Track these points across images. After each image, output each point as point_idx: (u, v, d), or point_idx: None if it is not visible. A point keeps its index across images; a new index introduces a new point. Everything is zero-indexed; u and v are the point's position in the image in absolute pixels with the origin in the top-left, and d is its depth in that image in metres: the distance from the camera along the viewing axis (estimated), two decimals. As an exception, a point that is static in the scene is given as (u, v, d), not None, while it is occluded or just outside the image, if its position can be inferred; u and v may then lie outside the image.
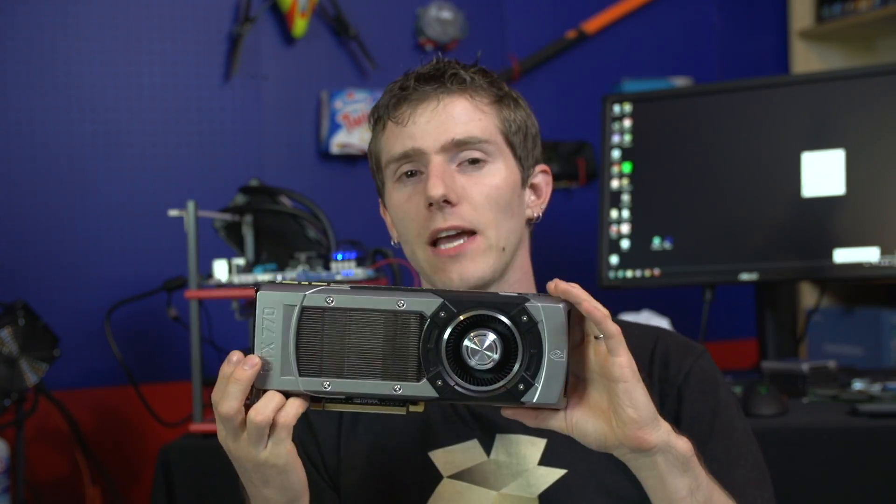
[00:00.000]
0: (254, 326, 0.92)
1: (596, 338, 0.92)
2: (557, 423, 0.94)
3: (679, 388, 1.16)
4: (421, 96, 1.16)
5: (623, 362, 0.91)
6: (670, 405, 1.16)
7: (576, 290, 0.91)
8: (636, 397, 0.91)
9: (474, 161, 1.16)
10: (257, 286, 0.93)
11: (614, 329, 0.91)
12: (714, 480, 1.01)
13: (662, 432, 0.93)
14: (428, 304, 0.91)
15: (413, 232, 1.17)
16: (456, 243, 1.15)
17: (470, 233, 1.15)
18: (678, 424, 1.13)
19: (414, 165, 1.17)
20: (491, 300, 0.91)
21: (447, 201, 1.13)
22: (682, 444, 0.95)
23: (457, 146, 1.15)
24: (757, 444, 1.19)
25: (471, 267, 1.14)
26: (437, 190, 1.12)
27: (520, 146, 1.20)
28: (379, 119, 1.21)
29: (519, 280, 1.21)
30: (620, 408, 0.91)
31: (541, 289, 1.23)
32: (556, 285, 0.92)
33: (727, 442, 1.14)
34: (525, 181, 1.22)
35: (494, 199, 1.16)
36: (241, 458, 0.96)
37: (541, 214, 1.25)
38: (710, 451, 1.12)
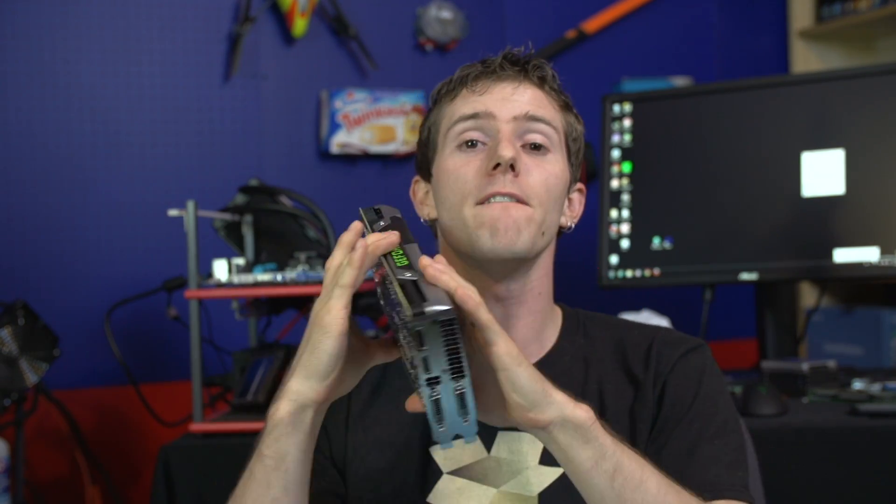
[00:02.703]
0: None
1: (472, 325, 0.92)
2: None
3: (665, 377, 1.16)
4: (502, 75, 1.18)
5: (500, 351, 0.91)
6: (657, 395, 1.15)
7: (446, 277, 0.90)
8: (519, 383, 0.91)
9: (537, 146, 1.16)
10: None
11: (487, 318, 0.90)
12: (629, 449, 0.99)
13: (554, 409, 0.93)
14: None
15: (465, 192, 1.14)
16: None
17: (523, 203, 1.14)
18: (659, 412, 1.13)
19: (479, 131, 1.15)
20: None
21: (512, 167, 1.12)
22: (581, 413, 0.95)
23: (528, 119, 1.16)
24: (745, 438, 1.17)
25: (514, 229, 1.11)
26: (508, 151, 1.11)
27: (574, 154, 1.22)
28: (450, 91, 1.20)
29: (539, 278, 1.20)
30: (506, 394, 0.92)
31: (558, 296, 1.23)
32: (426, 270, 0.90)
33: (702, 422, 1.12)
34: (569, 188, 1.23)
35: (552, 186, 1.15)
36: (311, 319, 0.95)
37: (572, 226, 1.25)
38: (680, 430, 1.11)
